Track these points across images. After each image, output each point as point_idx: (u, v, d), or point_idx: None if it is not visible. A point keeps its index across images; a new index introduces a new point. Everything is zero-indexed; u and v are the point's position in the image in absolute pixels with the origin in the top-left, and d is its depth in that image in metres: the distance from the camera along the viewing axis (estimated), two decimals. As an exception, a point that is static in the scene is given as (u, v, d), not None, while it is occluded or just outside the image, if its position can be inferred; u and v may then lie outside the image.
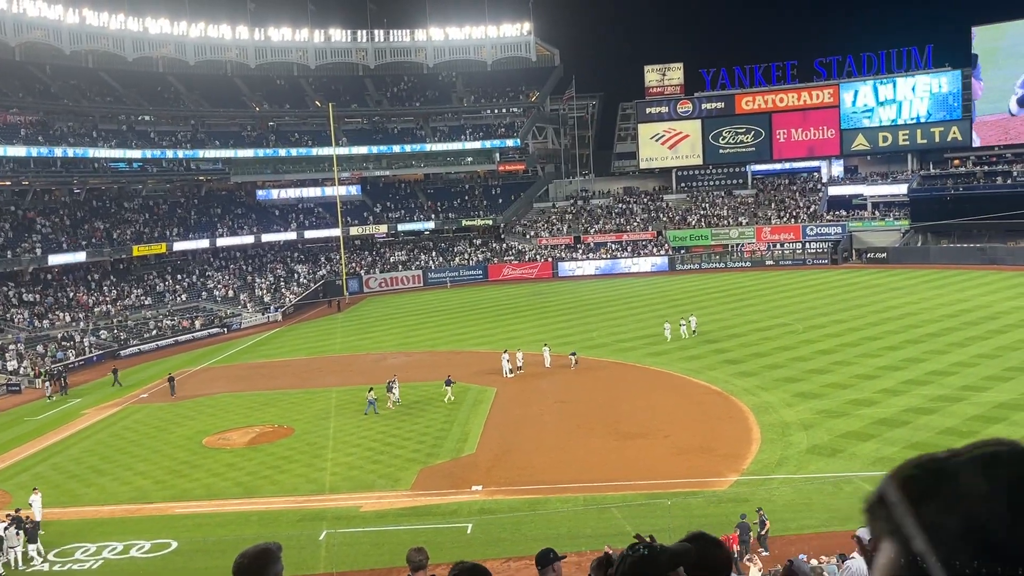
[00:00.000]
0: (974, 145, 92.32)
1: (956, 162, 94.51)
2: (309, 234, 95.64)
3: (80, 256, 76.24)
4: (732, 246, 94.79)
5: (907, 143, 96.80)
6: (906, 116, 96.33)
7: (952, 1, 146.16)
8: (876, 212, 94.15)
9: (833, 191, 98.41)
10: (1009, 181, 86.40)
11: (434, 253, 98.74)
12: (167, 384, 50.15)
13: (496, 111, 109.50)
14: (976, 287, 67.37)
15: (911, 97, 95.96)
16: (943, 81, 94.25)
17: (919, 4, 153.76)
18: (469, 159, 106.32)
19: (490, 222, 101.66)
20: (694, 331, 54.61)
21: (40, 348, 61.47)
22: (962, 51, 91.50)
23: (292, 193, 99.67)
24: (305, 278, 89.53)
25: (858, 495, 26.11)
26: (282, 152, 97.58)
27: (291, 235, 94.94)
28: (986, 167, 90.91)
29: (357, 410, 42.49)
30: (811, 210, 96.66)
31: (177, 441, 39.55)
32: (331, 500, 30.67)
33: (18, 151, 75.61)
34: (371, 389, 42.24)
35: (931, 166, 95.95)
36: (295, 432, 39.66)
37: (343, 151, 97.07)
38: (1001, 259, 78.94)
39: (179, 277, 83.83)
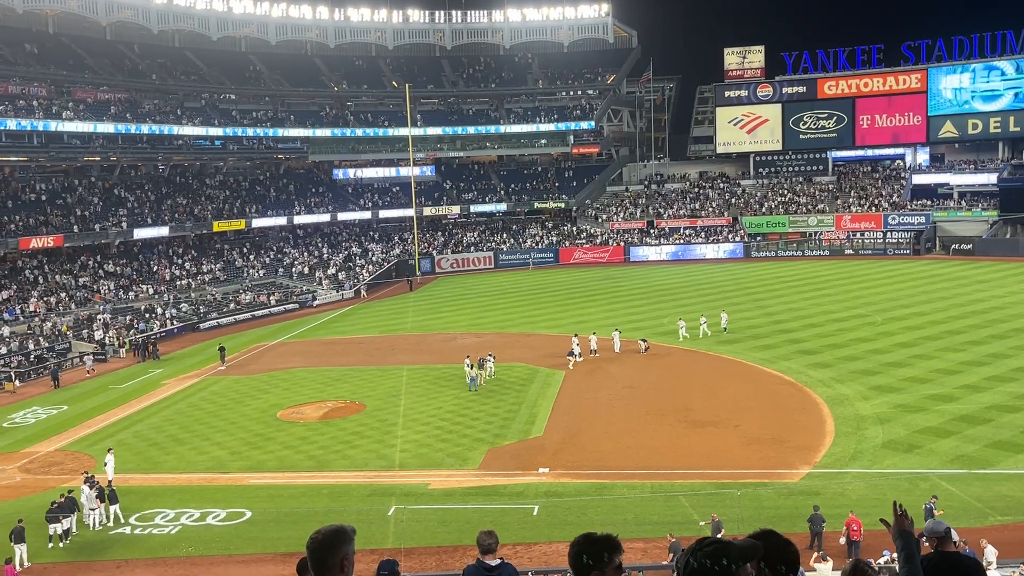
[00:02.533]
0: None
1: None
2: (383, 213, 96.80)
3: (163, 231, 78.57)
4: (810, 234, 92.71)
5: (998, 130, 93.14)
6: (998, 102, 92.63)
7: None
8: (963, 202, 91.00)
9: (917, 179, 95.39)
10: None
11: (505, 235, 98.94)
12: (241, 357, 51.33)
13: (571, 93, 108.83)
14: (1068, 282, 64.63)
15: (1004, 82, 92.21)
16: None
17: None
18: (543, 141, 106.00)
19: (562, 205, 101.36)
20: (724, 328, 51.91)
21: (126, 320, 63.62)
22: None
23: (368, 173, 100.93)
24: (378, 257, 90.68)
25: (934, 492, 25.44)
26: (359, 132, 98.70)
27: (366, 214, 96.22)
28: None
29: (428, 388, 42.98)
30: (893, 199, 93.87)
31: (252, 414, 40.56)
32: (400, 477, 31.12)
33: (107, 127, 78.09)
34: (471, 366, 42.61)
35: (1023, 155, 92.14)
36: (366, 408, 40.31)
37: (418, 132, 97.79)
38: (1096, 253, 75.53)
39: (257, 253, 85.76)
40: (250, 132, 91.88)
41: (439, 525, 26.86)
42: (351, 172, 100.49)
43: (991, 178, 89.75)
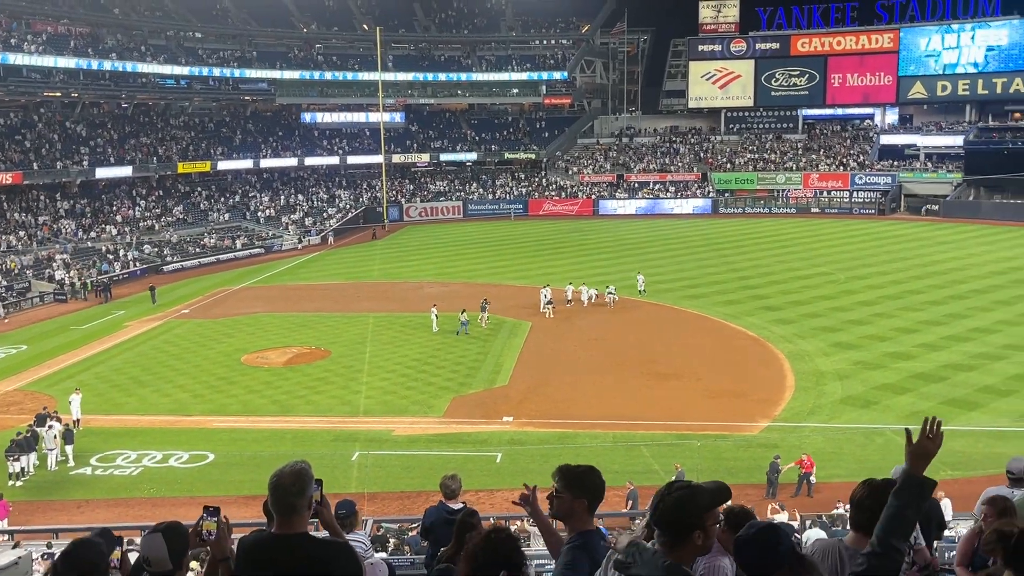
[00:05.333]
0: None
1: (1017, 115, 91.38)
2: (352, 159, 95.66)
3: (126, 171, 77.05)
4: (778, 191, 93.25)
5: (967, 93, 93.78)
6: (968, 65, 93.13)
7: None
8: (928, 163, 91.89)
9: (886, 140, 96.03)
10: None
11: (475, 185, 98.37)
12: (205, 301, 50.88)
13: (544, 42, 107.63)
14: (1027, 245, 65.78)
15: (974, 45, 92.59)
16: (1010, 29, 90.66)
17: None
18: (515, 91, 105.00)
19: (533, 156, 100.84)
20: (641, 290, 50.29)
21: (89, 261, 62.67)
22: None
23: (336, 117, 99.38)
24: (347, 203, 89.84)
25: (889, 447, 26.05)
26: (328, 75, 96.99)
27: (334, 160, 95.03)
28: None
29: (394, 336, 42.96)
30: (861, 159, 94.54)
31: (216, 357, 40.34)
32: (364, 423, 31.21)
33: (68, 62, 75.80)
34: (464, 311, 43.26)
35: (990, 118, 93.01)
36: (332, 355, 40.24)
37: (389, 77, 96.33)
38: (1056, 218, 76.82)
39: (223, 196, 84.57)
40: (216, 72, 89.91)
41: (403, 471, 27.05)
42: (319, 116, 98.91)
43: (957, 140, 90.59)
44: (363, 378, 36.15)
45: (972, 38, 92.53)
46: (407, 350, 40.58)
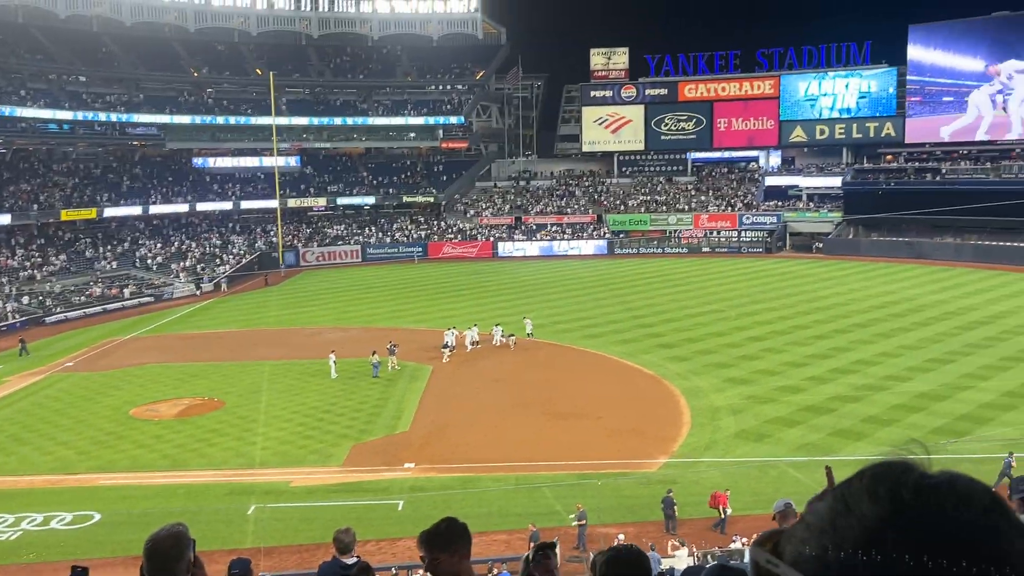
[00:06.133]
0: (906, 142, 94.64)
1: (889, 158, 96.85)
2: (246, 204, 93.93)
3: (4, 219, 73.69)
4: (670, 232, 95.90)
5: (843, 136, 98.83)
6: (842, 110, 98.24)
7: (891, 0, 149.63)
8: (811, 203, 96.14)
9: (770, 181, 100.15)
10: (937, 178, 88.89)
11: (373, 228, 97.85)
12: (91, 353, 48.86)
13: (441, 87, 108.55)
14: (903, 280, 69.34)
15: (848, 92, 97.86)
16: (879, 78, 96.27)
17: (862, 1, 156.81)
18: (412, 135, 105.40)
19: (431, 199, 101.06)
20: (529, 334, 50.06)
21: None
22: (899, 49, 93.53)
23: (230, 162, 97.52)
24: (241, 249, 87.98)
25: (783, 479, 26.83)
26: (220, 120, 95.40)
27: (227, 205, 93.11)
28: (916, 164, 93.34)
29: (291, 384, 42.07)
30: (748, 199, 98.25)
31: (103, 412, 38.66)
32: (261, 475, 30.36)
33: (-60, 107, 72.62)
34: (374, 352, 43.18)
35: (864, 160, 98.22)
36: (226, 405, 39.10)
37: (283, 121, 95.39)
38: (927, 253, 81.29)
39: (110, 244, 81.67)
40: (102, 116, 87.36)
41: (301, 523, 26.37)
42: (212, 161, 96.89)
43: (836, 181, 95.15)
44: (259, 428, 35.22)
45: (846, 85, 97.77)
46: (305, 398, 39.78)
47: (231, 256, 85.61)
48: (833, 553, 1.15)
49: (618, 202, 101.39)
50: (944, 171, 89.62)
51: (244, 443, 33.59)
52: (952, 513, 1.13)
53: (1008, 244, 78.24)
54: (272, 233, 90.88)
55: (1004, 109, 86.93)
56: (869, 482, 1.19)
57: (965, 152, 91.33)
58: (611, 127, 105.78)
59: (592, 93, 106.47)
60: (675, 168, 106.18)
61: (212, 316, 64.17)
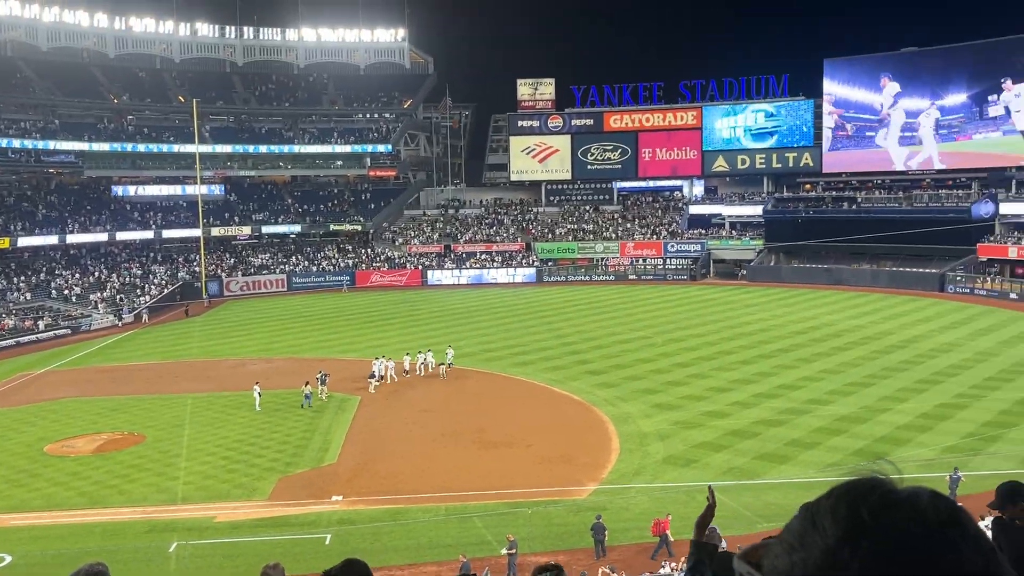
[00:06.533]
0: (823, 171, 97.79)
1: (808, 187, 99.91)
2: (168, 233, 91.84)
3: (-90, 248, 70.78)
4: (597, 260, 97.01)
5: (763, 166, 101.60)
6: (763, 141, 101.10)
7: (810, 34, 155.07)
8: (733, 231, 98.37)
9: (693, 210, 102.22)
10: (854, 207, 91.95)
11: (299, 257, 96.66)
12: (3, 387, 46.97)
13: (368, 116, 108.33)
14: (822, 306, 71.30)
15: (768, 123, 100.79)
16: (797, 109, 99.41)
17: (780, 34, 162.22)
18: (339, 162, 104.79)
19: (359, 227, 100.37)
20: (449, 363, 49.11)
21: None
22: (817, 82, 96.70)
23: (151, 190, 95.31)
24: (163, 279, 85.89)
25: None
26: (141, 147, 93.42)
27: (149, 234, 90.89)
28: (834, 192, 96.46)
29: (215, 417, 41.09)
30: (673, 227, 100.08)
31: (15, 448, 37.13)
32: (183, 511, 29.49)
33: None
34: (307, 383, 42.63)
35: (785, 189, 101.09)
36: (147, 439, 37.95)
37: (207, 149, 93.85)
38: (846, 280, 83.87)
39: (24, 275, 78.89)
40: (16, 143, 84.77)
41: (225, 559, 25.70)
42: (132, 189, 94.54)
43: (757, 210, 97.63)
44: (182, 463, 34.25)
45: (766, 117, 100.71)
46: (229, 431, 38.87)
47: (152, 286, 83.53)
48: (799, 570, 1.18)
49: (546, 230, 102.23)
50: (860, 200, 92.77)
51: (166, 478, 32.62)
52: (909, 531, 1.14)
53: (920, 270, 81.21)
54: (195, 262, 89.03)
55: (918, 142, 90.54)
56: (834, 501, 1.21)
57: (879, 182, 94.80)
58: (539, 156, 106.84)
59: (519, 123, 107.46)
60: (602, 197, 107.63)
61: (133, 348, 62.40)
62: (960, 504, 1.23)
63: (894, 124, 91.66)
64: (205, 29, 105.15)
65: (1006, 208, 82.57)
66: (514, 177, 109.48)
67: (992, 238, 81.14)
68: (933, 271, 79.97)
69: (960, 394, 40.97)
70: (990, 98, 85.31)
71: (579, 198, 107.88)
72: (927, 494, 1.21)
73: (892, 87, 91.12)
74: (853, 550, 1.14)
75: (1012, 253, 77.75)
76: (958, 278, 77.69)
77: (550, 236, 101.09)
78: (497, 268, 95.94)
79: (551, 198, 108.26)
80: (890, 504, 1.18)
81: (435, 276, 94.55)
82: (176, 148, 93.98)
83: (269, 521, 28.75)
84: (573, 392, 43.94)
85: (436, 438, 37.10)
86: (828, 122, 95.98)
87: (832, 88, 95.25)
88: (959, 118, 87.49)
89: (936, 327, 59.72)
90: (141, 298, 79.84)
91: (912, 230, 79.59)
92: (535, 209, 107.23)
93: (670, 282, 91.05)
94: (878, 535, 1.15)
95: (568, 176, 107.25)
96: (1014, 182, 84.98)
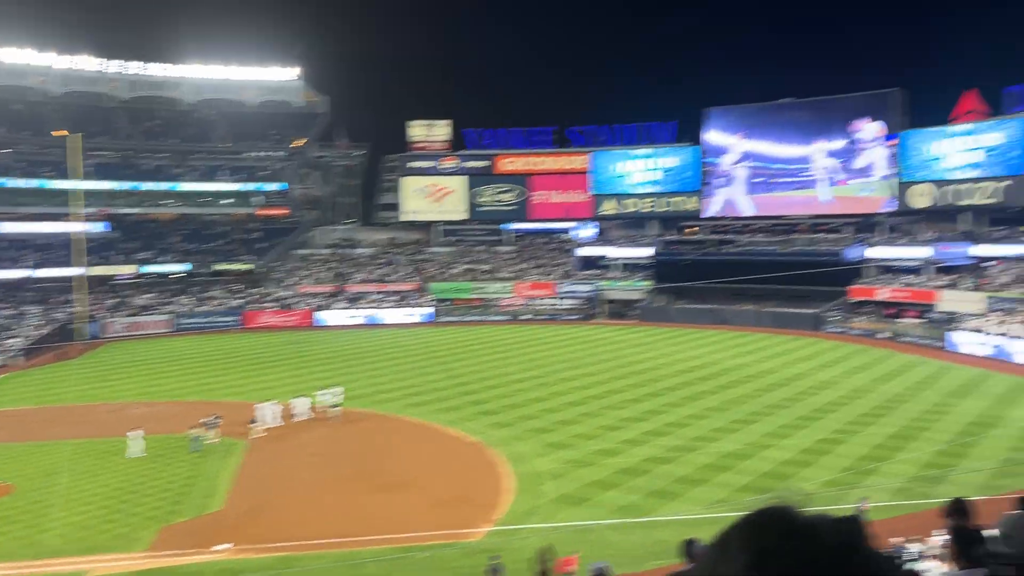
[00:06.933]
0: (706, 216, 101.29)
1: (694, 229, 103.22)
2: (43, 272, 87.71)
3: None
4: (491, 300, 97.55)
5: (651, 210, 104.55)
6: (650, 185, 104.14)
7: (696, 85, 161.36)
8: (624, 272, 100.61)
9: (586, 251, 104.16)
10: (736, 249, 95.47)
11: (185, 297, 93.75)
12: None
13: (259, 154, 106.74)
14: (708, 345, 73.47)
15: (655, 168, 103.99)
16: (683, 156, 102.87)
17: (669, 83, 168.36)
18: (228, 200, 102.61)
19: (249, 267, 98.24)
20: (336, 405, 47.58)
21: None
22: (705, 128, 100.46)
23: (26, 227, 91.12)
24: (37, 320, 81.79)
25: (600, 542, 27.42)
26: (17, 182, 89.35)
27: (21, 272, 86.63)
28: (718, 236, 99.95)
29: (92, 464, 39.18)
30: (565, 268, 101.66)
31: None
32: (54, 565, 27.90)
33: None
34: (195, 427, 41.81)
35: (674, 232, 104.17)
36: (15, 490, 35.85)
37: (88, 185, 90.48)
38: (729, 319, 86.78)
39: None
40: None
41: (101, 616, 24.40)
42: (5, 225, 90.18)
43: (647, 251, 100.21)
44: (54, 514, 32.46)
45: (654, 162, 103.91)
46: (107, 479, 37.12)
47: (27, 327, 79.46)
48: None
49: (441, 270, 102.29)
50: (743, 243, 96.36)
51: (36, 530, 30.85)
52: (812, 556, 1.20)
53: (798, 311, 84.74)
54: (73, 303, 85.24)
55: (801, 187, 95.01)
56: (743, 528, 1.27)
57: (759, 226, 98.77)
58: (434, 197, 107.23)
59: (410, 164, 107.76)
60: (496, 238, 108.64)
61: (2, 393, 59.04)
62: (863, 528, 1.29)
63: (739, 180, 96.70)
64: (87, 62, 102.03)
65: (873, 252, 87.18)
66: (405, 217, 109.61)
67: (861, 280, 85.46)
68: (810, 311, 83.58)
69: (838, 430, 42.76)
70: (859, 147, 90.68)
71: (473, 238, 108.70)
72: (829, 520, 1.27)
73: (772, 136, 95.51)
74: (761, 575, 1.21)
75: (880, 295, 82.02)
76: (833, 318, 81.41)
77: (445, 276, 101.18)
78: (391, 308, 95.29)
79: (447, 237, 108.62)
80: (794, 531, 1.23)
81: (327, 316, 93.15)
82: (55, 184, 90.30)
83: (148, 573, 27.49)
84: (468, 432, 43.83)
85: (328, 482, 36.35)
86: (709, 169, 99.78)
87: (712, 137, 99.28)
88: (840, 163, 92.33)
89: (814, 365, 62.33)
90: (12, 340, 75.81)
91: (790, 272, 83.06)
92: (429, 249, 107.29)
93: (563, 322, 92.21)
94: (784, 561, 1.20)
95: (467, 215, 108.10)
96: (880, 227, 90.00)
